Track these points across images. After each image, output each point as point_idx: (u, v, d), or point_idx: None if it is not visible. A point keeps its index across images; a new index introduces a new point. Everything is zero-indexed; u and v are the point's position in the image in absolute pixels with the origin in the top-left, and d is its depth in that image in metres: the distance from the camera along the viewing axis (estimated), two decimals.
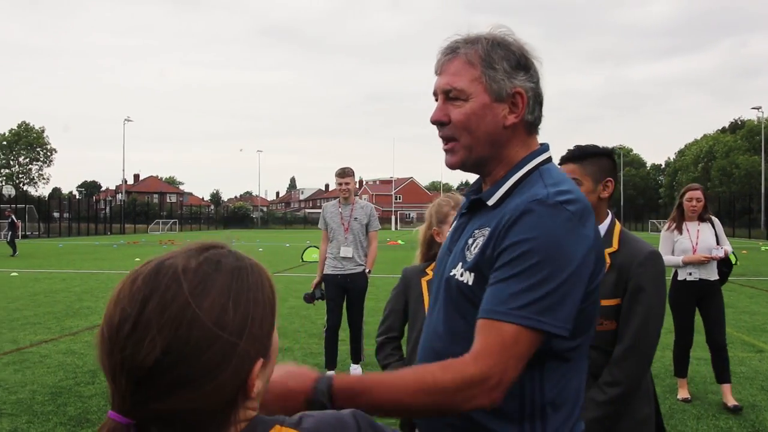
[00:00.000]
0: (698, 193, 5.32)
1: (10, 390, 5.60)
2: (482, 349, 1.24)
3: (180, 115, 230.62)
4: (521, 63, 1.42)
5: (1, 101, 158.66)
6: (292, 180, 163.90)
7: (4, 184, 63.40)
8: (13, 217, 25.87)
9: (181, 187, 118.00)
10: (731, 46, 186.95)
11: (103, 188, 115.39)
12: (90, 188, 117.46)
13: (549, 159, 1.47)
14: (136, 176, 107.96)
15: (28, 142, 69.81)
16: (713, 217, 5.41)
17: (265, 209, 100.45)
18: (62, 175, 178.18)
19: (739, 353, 7.14)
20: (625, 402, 2.17)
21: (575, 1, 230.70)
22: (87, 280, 14.81)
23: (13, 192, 48.46)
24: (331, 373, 1.25)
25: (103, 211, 59.81)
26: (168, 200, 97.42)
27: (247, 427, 0.85)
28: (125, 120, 65.22)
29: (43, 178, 72.01)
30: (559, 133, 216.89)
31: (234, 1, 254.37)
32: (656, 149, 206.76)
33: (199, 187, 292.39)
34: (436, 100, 1.46)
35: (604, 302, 2.23)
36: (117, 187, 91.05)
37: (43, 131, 71.31)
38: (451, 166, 1.47)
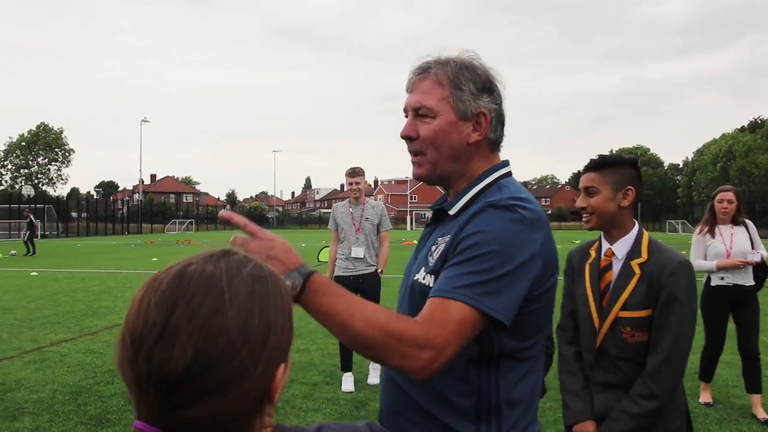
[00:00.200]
0: (729, 195, 5.10)
1: (31, 389, 5.65)
2: (429, 317, 1.32)
3: (196, 115, 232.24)
4: (486, 86, 1.53)
5: (20, 102, 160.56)
6: (308, 180, 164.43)
7: (23, 184, 64.11)
8: (32, 217, 26.13)
9: (197, 187, 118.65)
10: (749, 44, 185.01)
11: (121, 188, 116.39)
12: (107, 188, 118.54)
13: (509, 173, 1.57)
14: (153, 176, 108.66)
15: (47, 143, 70.47)
16: (747, 221, 5.19)
17: (280, 209, 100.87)
18: (80, 176, 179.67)
19: None
20: (658, 415, 2.15)
21: None
22: (105, 280, 14.94)
23: (32, 192, 48.91)
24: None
25: (121, 211, 60.37)
26: (184, 200, 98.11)
27: None
28: (142, 120, 65.89)
29: (62, 179, 72.70)
30: (574, 133, 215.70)
31: (249, 2, 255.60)
32: (673, 149, 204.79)
33: (215, 187, 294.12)
34: (407, 116, 1.56)
35: (635, 313, 2.21)
36: (134, 187, 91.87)
37: (61, 132, 71.96)
38: (418, 177, 1.59)
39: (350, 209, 6.14)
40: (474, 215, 1.42)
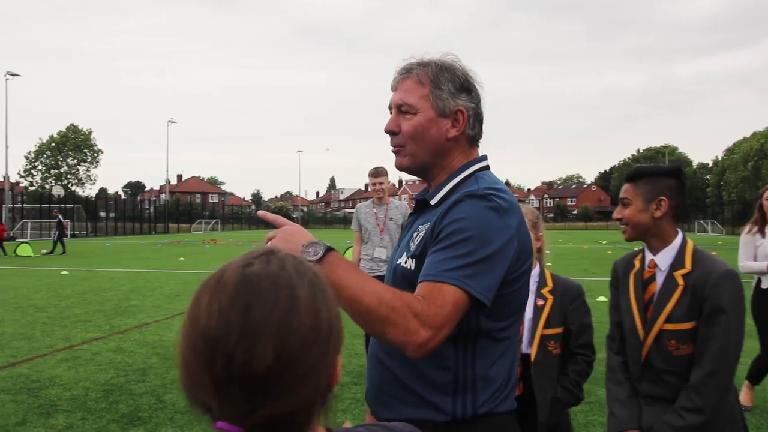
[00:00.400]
0: None
1: (64, 386, 5.73)
2: (427, 294, 1.42)
3: (221, 116, 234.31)
4: (464, 86, 1.66)
5: (50, 104, 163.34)
6: (332, 180, 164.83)
7: (53, 184, 65.24)
8: (60, 217, 26.58)
9: (223, 188, 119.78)
10: None
11: (147, 188, 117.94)
12: (135, 188, 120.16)
13: (486, 167, 1.69)
14: (179, 176, 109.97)
15: (76, 144, 71.66)
16: None
17: (305, 209, 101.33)
18: (108, 176, 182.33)
19: None
20: (703, 429, 2.10)
21: None
22: (134, 279, 15.12)
23: (62, 192, 49.81)
24: None
25: (148, 211, 61.13)
26: (210, 200, 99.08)
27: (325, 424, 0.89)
28: (168, 122, 66.71)
29: (90, 179, 73.87)
30: (600, 132, 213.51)
31: (272, 3, 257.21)
32: (703, 148, 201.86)
33: (240, 187, 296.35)
34: (391, 112, 1.69)
35: (680, 326, 2.16)
36: (161, 187, 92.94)
37: (90, 133, 73.12)
38: (399, 167, 1.73)
39: (374, 209, 6.08)
40: (453, 204, 1.53)
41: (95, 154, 73.40)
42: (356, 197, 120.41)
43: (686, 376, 2.15)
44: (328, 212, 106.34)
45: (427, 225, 1.59)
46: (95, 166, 74.21)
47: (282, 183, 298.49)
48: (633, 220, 2.29)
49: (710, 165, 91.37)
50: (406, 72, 1.67)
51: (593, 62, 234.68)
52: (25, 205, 47.34)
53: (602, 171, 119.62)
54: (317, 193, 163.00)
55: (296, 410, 0.81)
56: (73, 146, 71.56)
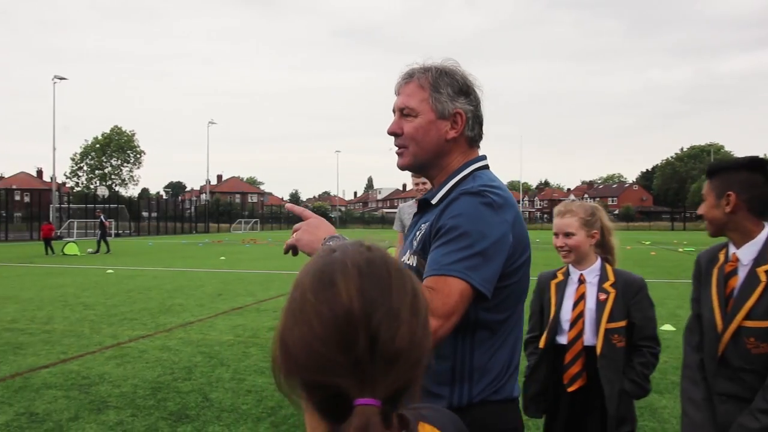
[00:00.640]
0: None
1: (114, 383, 5.85)
2: (434, 286, 1.50)
3: (260, 116, 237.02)
4: (463, 89, 1.74)
5: (96, 106, 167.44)
6: (370, 180, 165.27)
7: (98, 185, 66.85)
8: (102, 217, 27.25)
9: (261, 188, 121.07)
10: None
11: (188, 188, 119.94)
12: (176, 189, 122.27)
13: (485, 166, 1.76)
14: (219, 177, 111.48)
15: (119, 145, 73.31)
16: None
17: (343, 209, 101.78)
18: (150, 176, 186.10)
19: None
20: None
21: None
22: (177, 278, 15.39)
23: (106, 192, 51.04)
24: None
25: (188, 211, 62.12)
26: (249, 200, 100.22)
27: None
28: (209, 123, 67.70)
29: (133, 180, 75.48)
30: (642, 130, 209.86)
31: (311, 4, 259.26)
32: (749, 145, 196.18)
33: (278, 187, 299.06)
34: (395, 115, 1.78)
35: (760, 323, 2.09)
36: (201, 187, 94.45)
37: (133, 134, 74.76)
38: (400, 167, 1.82)
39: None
40: (450, 203, 1.63)
41: (138, 155, 75.00)
42: (394, 197, 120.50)
43: (764, 376, 2.09)
44: (365, 212, 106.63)
45: (427, 223, 1.69)
46: (138, 167, 75.84)
47: (320, 183, 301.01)
48: (708, 216, 2.30)
49: None
50: (408, 77, 1.76)
51: (634, 59, 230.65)
52: (71, 205, 48.55)
53: (644, 170, 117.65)
54: (355, 193, 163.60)
55: (418, 382, 0.88)
56: (116, 147, 73.21)
